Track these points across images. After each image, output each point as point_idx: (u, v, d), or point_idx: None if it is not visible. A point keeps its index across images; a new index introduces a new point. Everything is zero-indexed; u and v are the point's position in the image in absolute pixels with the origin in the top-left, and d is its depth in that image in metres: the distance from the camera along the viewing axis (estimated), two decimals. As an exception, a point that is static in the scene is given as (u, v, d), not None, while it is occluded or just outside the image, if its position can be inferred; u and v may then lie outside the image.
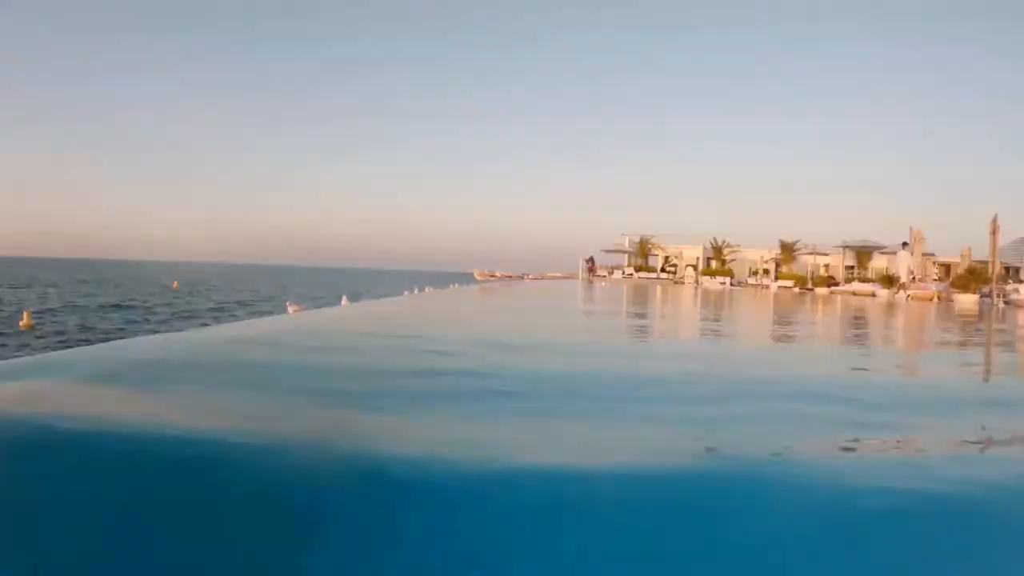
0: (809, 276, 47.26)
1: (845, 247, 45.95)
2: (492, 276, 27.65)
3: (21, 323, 18.02)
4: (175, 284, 49.53)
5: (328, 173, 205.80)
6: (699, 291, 24.99)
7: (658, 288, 26.53)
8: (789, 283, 42.84)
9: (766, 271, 51.59)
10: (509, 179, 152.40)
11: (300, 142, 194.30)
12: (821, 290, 35.75)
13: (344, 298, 13.90)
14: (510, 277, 37.98)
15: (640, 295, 17.02)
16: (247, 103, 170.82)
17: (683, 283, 44.64)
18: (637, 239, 51.18)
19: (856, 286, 35.63)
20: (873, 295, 29.52)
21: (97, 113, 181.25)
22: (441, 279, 27.43)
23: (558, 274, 52.69)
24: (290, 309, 12.55)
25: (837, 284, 39.54)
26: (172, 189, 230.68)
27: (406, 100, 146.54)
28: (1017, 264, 35.92)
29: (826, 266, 51.36)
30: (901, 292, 26.18)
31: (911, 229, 30.09)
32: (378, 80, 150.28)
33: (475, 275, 25.44)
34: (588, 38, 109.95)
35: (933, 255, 40.27)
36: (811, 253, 46.23)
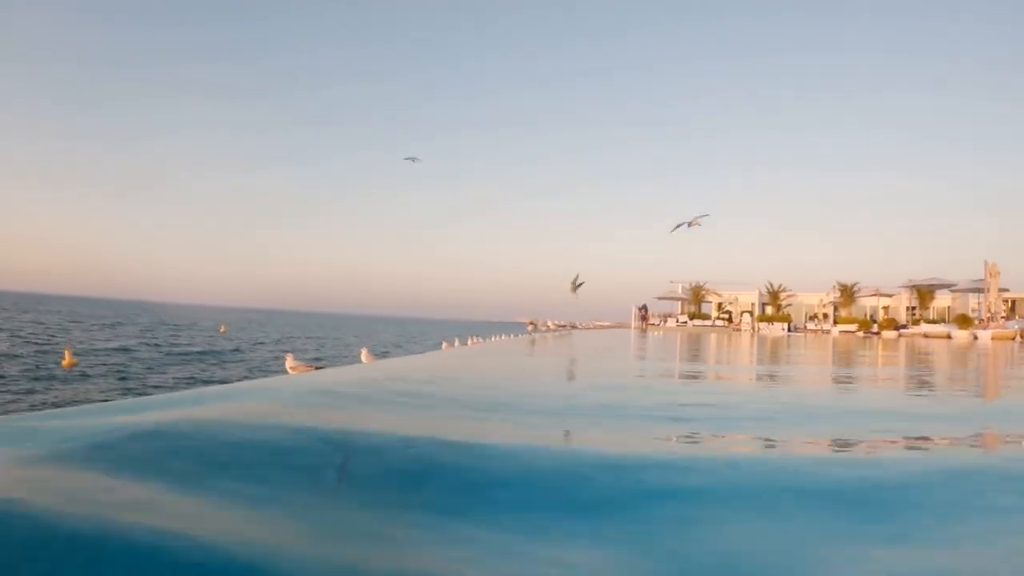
0: (871, 319, 45.98)
1: (912, 286, 44.12)
2: (544, 326, 27.41)
3: (63, 361, 17.94)
4: (223, 328, 50.11)
5: (378, 220, 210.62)
6: (768, 339, 24.34)
7: (721, 337, 25.95)
8: (851, 327, 41.54)
9: (824, 315, 50.34)
10: (553, 227, 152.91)
11: (347, 191, 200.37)
12: (888, 333, 34.49)
13: (364, 352, 11.67)
14: (563, 326, 37.77)
15: (715, 347, 16.65)
16: (290, 148, 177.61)
17: (740, 330, 43.76)
18: (689, 285, 50.70)
19: (926, 328, 34.18)
20: (948, 337, 28.39)
21: (138, 161, 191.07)
22: (491, 329, 27.18)
23: (606, 323, 52.27)
24: (289, 365, 10.33)
25: (904, 326, 37.97)
26: (214, 235, 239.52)
27: (452, 148, 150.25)
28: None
29: (885, 308, 49.86)
30: None
31: (985, 263, 29.02)
32: (426, 128, 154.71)
33: (527, 325, 25.08)
34: (638, 82, 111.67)
35: (1007, 290, 38.44)
36: (874, 294, 44.60)
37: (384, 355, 15.63)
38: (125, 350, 23.18)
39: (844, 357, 12.94)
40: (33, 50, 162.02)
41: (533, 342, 14.85)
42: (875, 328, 38.31)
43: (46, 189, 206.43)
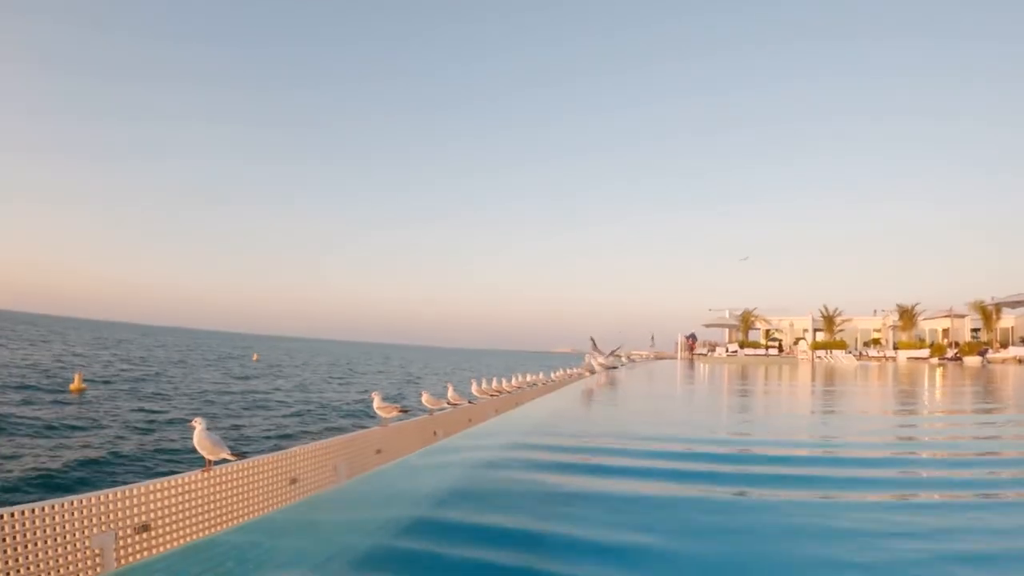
0: (947, 343, 42.66)
1: (996, 304, 40.41)
2: (596, 359, 24.69)
3: (72, 386, 18.27)
4: (255, 356, 48.95)
5: (409, 249, 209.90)
6: (852, 372, 21.72)
7: (786, 369, 23.31)
8: (920, 353, 38.36)
9: (882, 341, 47.27)
10: (588, 256, 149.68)
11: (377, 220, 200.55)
12: (971, 360, 31.33)
13: (376, 397, 6.69)
14: (617, 356, 35.33)
15: (808, 387, 14.26)
16: (322, 177, 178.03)
17: (798, 359, 40.85)
18: (739, 312, 47.95)
19: (1019, 351, 30.88)
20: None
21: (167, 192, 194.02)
22: (533, 361, 24.77)
23: (643, 352, 49.42)
24: (376, 405, 7.24)
25: (985, 351, 34.63)
26: (243, 265, 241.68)
27: (489, 174, 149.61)
28: None
29: (945, 331, 46.51)
30: None
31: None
32: (463, 156, 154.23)
33: (587, 358, 21.97)
34: (680, 106, 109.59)
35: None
36: (947, 315, 41.18)
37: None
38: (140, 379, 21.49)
39: None
40: (52, 62, 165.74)
41: (610, 389, 12.51)
42: (951, 354, 34.86)
43: (73, 212, 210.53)
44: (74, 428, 12.84)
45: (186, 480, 4.31)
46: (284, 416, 17.61)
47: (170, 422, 14.64)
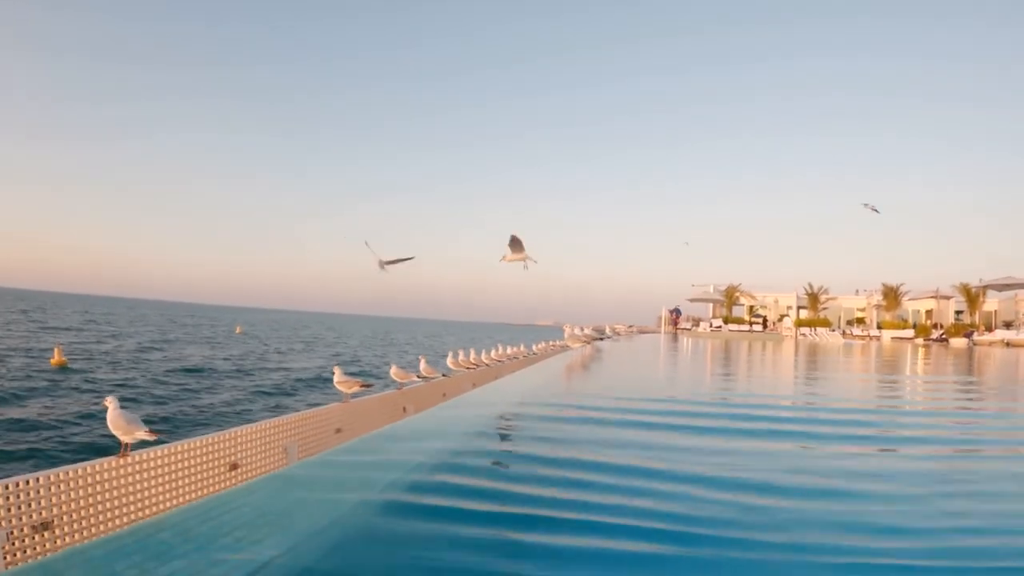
0: (932, 324, 42.66)
1: (984, 286, 40.13)
2: (581, 333, 23.94)
3: (52, 360, 17.91)
4: (238, 328, 48.33)
5: (391, 221, 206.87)
6: (832, 348, 21.37)
7: (771, 344, 22.96)
8: (905, 333, 38.17)
9: (863, 320, 47.26)
10: (573, 228, 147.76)
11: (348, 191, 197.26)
12: (957, 341, 31.13)
13: (337, 371, 6.93)
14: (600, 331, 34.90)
15: (812, 365, 13.84)
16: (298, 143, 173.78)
17: (782, 335, 40.65)
18: (723, 287, 47.63)
19: (1006, 334, 30.63)
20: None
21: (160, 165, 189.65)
22: (515, 334, 24.28)
23: (621, 327, 48.73)
24: (337, 380, 6.37)
25: (971, 333, 34.44)
26: (228, 236, 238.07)
27: (467, 144, 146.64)
28: None
29: (929, 311, 46.53)
30: None
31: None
32: (440, 130, 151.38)
33: (564, 332, 21.18)
34: (667, 83, 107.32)
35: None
36: (932, 296, 41.03)
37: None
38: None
39: None
40: (56, 45, 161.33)
41: (596, 361, 11.96)
42: (937, 335, 34.67)
43: (59, 188, 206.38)
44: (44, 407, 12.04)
45: (97, 468, 3.64)
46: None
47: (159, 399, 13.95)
